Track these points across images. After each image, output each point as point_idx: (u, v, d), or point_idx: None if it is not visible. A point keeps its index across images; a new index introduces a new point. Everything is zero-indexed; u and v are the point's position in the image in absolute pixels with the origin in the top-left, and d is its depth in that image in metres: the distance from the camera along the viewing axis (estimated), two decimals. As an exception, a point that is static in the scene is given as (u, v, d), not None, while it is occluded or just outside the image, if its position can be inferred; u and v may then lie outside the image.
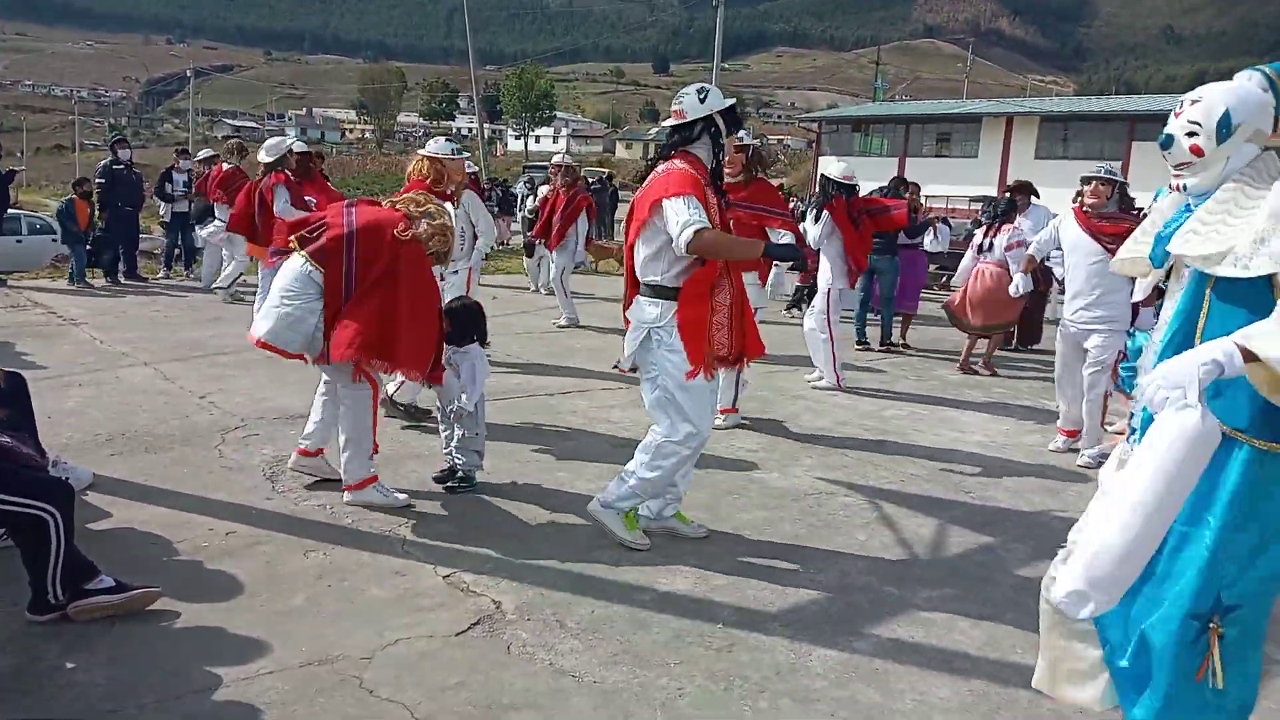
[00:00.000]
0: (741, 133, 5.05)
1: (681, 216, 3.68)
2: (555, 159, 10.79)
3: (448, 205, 4.77)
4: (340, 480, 4.41)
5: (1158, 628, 2.27)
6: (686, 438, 3.87)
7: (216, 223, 10.57)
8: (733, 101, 4.05)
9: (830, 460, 5.54)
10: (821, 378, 7.46)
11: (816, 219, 7.45)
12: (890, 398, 7.30)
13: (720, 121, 3.94)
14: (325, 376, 4.51)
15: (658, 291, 3.88)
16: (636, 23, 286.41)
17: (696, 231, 3.66)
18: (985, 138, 38.74)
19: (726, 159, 4.13)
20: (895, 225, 8.48)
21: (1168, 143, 2.39)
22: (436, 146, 5.40)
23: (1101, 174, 5.57)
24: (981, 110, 41.01)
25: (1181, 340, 2.33)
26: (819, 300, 7.47)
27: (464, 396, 4.58)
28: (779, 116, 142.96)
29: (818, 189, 7.84)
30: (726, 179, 4.81)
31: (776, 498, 4.81)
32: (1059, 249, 5.88)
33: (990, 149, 38.12)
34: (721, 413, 5.86)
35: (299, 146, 9.61)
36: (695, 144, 3.94)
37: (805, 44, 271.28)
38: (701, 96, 3.94)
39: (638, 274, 3.96)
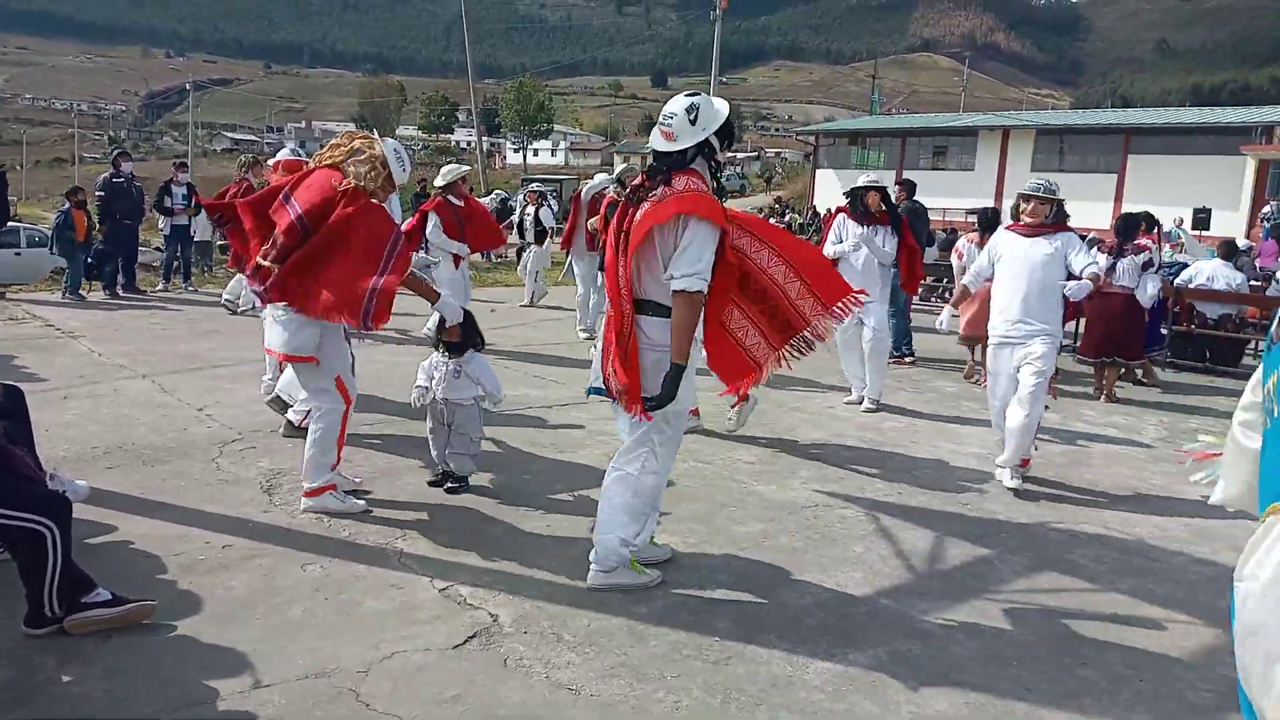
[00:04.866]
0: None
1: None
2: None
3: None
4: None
5: None
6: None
7: None
8: (726, 115, 3.55)
9: (827, 473, 5.54)
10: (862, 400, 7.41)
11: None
12: (888, 410, 7.31)
13: (715, 142, 3.53)
14: None
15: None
16: (635, 36, 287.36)
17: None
18: (982, 150, 38.91)
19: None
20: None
21: None
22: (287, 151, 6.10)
23: (1039, 192, 5.54)
24: (978, 123, 41.17)
25: None
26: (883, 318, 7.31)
27: (491, 395, 4.83)
28: (777, 129, 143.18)
29: (880, 203, 7.46)
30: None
31: (774, 510, 4.81)
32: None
33: (987, 162, 38.28)
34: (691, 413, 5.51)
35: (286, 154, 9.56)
36: (692, 164, 3.53)
37: (802, 58, 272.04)
38: (692, 117, 3.47)
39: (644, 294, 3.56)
